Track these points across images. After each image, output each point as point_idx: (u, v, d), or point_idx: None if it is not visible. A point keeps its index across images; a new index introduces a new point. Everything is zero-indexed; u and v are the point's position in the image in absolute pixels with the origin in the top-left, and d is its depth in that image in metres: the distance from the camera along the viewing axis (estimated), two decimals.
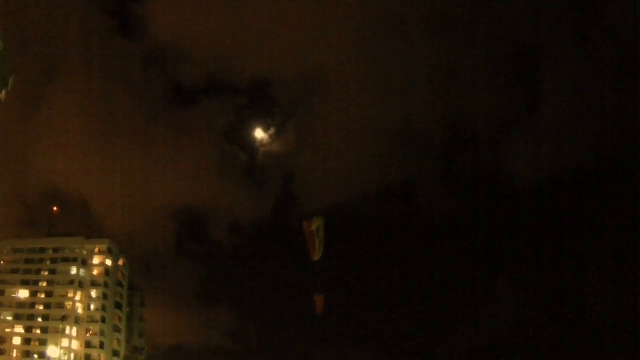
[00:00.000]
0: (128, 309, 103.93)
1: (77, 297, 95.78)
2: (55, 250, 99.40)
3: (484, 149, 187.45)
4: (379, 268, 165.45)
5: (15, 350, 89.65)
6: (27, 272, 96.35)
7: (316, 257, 41.97)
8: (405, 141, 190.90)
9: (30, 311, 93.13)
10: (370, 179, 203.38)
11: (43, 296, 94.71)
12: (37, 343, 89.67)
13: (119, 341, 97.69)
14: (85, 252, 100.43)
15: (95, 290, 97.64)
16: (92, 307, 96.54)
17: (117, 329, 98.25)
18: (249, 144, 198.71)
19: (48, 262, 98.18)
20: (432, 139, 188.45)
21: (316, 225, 41.33)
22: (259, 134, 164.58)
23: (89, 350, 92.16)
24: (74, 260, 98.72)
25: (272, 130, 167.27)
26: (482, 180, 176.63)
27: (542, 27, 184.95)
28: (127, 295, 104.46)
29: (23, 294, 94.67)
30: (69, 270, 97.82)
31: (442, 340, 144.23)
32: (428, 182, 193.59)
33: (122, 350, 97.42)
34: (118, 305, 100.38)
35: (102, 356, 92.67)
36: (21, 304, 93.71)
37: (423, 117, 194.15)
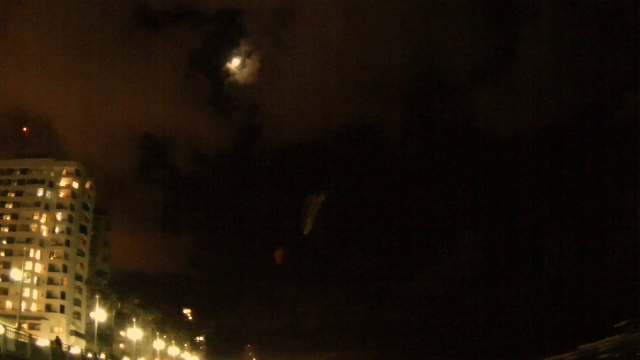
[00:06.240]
0: (93, 233, 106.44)
1: (43, 220, 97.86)
2: (23, 172, 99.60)
3: (456, 95, 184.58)
4: (343, 208, 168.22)
5: None
6: None
7: (306, 231, 41.72)
8: (374, 82, 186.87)
9: None
10: (336, 117, 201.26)
11: (9, 218, 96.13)
12: (0, 266, 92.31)
13: (82, 265, 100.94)
14: (53, 174, 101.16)
15: (61, 213, 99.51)
16: (57, 230, 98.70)
17: (81, 253, 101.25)
18: (215, 73, 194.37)
19: (15, 184, 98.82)
20: (403, 82, 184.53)
21: (321, 199, 40.91)
22: (225, 62, 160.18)
23: (52, 274, 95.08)
24: (41, 182, 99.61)
25: (238, 60, 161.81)
26: (452, 128, 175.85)
27: None
28: (93, 219, 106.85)
29: None
30: (36, 192, 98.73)
31: (401, 283, 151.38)
32: (396, 125, 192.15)
33: (85, 274, 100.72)
34: (83, 229, 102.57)
35: (65, 280, 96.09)
36: None
37: (394, 58, 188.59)
